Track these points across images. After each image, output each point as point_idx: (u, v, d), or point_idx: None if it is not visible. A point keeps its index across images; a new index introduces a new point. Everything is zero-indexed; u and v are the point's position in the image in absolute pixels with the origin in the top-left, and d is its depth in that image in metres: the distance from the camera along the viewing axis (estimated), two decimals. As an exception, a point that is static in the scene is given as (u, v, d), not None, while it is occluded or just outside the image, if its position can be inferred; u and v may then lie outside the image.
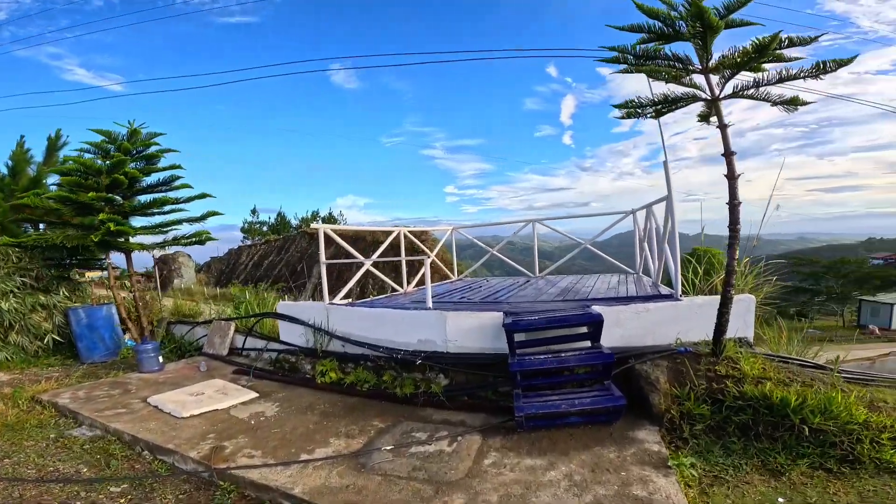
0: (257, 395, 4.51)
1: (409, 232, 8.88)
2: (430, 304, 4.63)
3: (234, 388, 4.67)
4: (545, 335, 3.77)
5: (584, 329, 3.76)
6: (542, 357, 3.49)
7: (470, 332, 4.03)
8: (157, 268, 44.97)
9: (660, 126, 4.00)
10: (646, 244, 6.48)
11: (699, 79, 3.22)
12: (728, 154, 3.21)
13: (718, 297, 3.50)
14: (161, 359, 5.60)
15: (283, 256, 39.10)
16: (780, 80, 2.97)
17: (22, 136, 8.49)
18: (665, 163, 4.12)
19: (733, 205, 3.24)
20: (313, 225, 5.83)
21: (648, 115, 3.54)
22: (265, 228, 48.69)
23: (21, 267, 6.35)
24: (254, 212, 50.80)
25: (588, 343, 3.72)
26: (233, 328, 6.24)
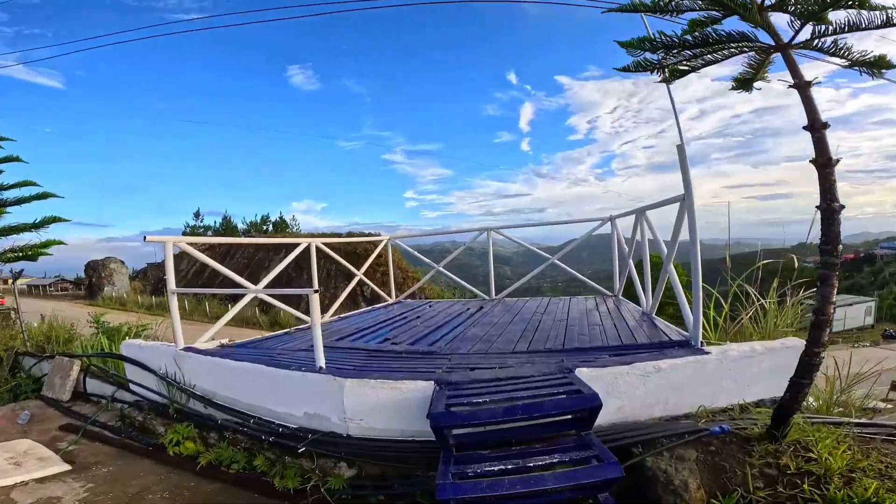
0: (70, 467, 3.37)
1: (331, 242, 7.79)
2: (320, 363, 3.22)
3: (41, 455, 3.54)
4: (502, 427, 2.42)
5: (567, 416, 2.45)
6: (496, 475, 2.11)
7: (382, 408, 2.80)
8: (86, 274, 42.12)
9: (671, 98, 3.06)
10: (630, 261, 5.57)
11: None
12: (816, 126, 2.05)
13: (759, 345, 2.82)
14: None
15: (228, 263, 38.40)
16: (851, 28, 1.94)
17: None
18: (681, 147, 3.19)
19: (829, 209, 2.01)
20: (149, 238, 4.47)
21: (667, 70, 2.40)
22: (210, 233, 47.36)
23: None
24: (197, 215, 49.19)
25: (572, 432, 2.45)
26: (77, 366, 5.12)
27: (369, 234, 30.73)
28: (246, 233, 45.92)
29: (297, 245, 6.82)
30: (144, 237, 4.35)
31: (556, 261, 6.90)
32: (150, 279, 43.45)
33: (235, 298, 26.82)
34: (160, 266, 44.73)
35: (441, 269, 7.71)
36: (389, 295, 8.27)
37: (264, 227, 47.86)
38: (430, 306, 6.93)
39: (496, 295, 7.17)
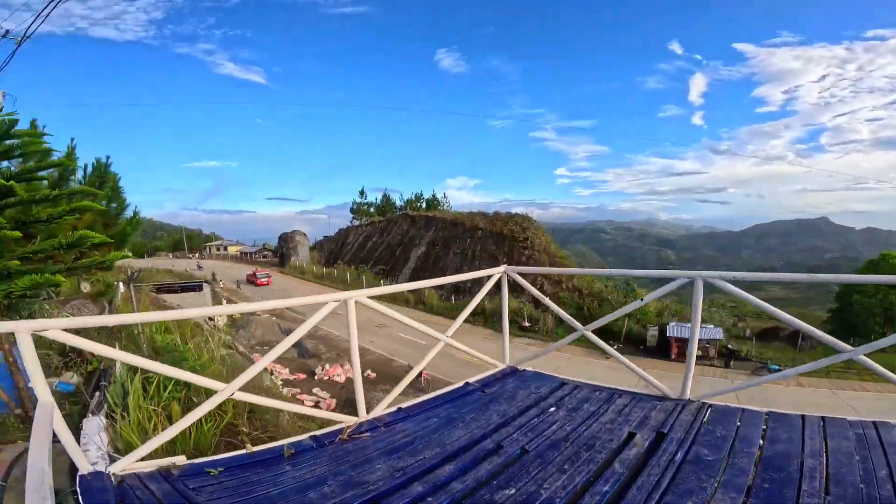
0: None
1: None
2: None
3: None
4: None
5: None
6: None
7: None
8: (279, 244, 60.58)
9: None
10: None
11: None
12: None
13: None
14: None
15: (385, 238, 53.95)
16: None
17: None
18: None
19: None
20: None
21: None
22: (372, 210, 62.67)
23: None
24: (362, 193, 65.33)
25: None
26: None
27: (515, 215, 38.81)
28: (402, 209, 59.24)
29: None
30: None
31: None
32: (324, 251, 60.82)
33: (388, 274, 44.38)
34: (332, 239, 62.13)
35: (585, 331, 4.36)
36: (501, 357, 4.81)
37: (418, 204, 60.70)
38: (556, 407, 3.72)
39: (687, 393, 3.73)
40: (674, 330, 23.99)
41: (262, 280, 45.20)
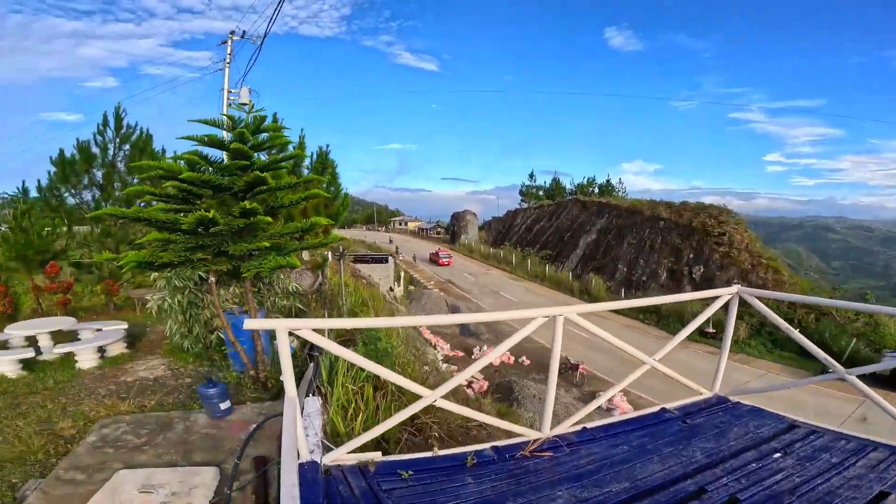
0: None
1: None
2: None
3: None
4: None
5: None
6: None
7: None
8: (451, 222, 64.19)
9: None
10: None
11: None
12: None
13: None
14: (228, 402, 4.52)
15: (553, 223, 52.56)
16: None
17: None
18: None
19: None
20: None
21: None
22: (540, 193, 62.52)
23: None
24: (531, 176, 65.54)
25: None
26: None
27: (708, 206, 33.40)
28: (573, 193, 57.52)
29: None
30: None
31: None
32: (492, 231, 62.83)
33: (554, 259, 41.29)
34: (500, 220, 63.71)
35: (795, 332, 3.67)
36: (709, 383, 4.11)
37: (590, 189, 58.31)
38: (782, 453, 3.02)
39: None
40: None
41: (444, 260, 44.92)
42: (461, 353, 18.16)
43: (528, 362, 18.55)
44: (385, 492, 2.49)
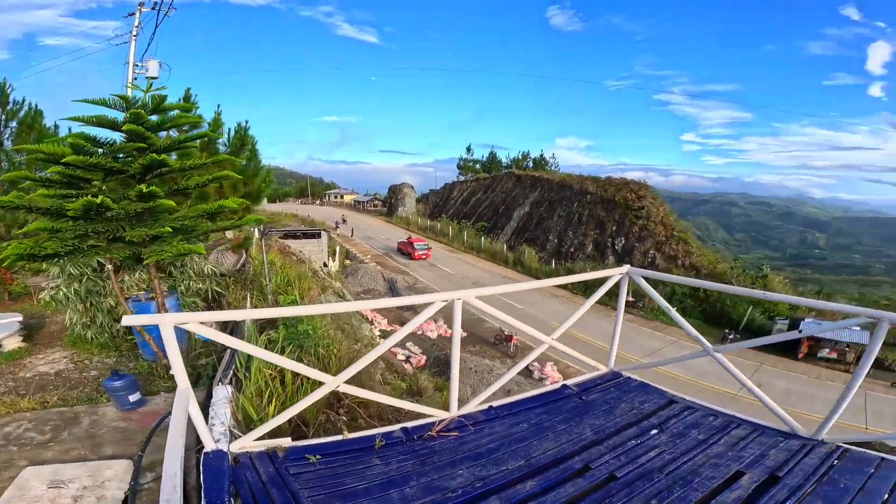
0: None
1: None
2: None
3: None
4: None
5: None
6: None
7: None
8: (388, 195, 63.13)
9: None
10: None
11: None
12: None
13: None
14: (138, 394, 4.31)
15: (488, 196, 53.58)
16: None
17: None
18: None
19: None
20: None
21: None
22: (477, 166, 62.89)
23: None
24: (468, 149, 65.53)
25: None
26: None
27: (630, 182, 35.79)
28: (508, 167, 58.62)
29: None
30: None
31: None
32: (429, 203, 62.72)
33: (489, 231, 42.24)
34: (438, 193, 63.64)
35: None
36: (605, 361, 4.43)
37: (525, 163, 59.57)
38: (659, 430, 3.34)
39: (824, 433, 3.21)
40: (810, 328, 20.67)
41: (421, 253, 33.74)
42: (399, 327, 18.36)
43: (464, 334, 19.13)
44: (293, 476, 2.55)
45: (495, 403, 3.66)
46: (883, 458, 2.95)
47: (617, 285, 4.10)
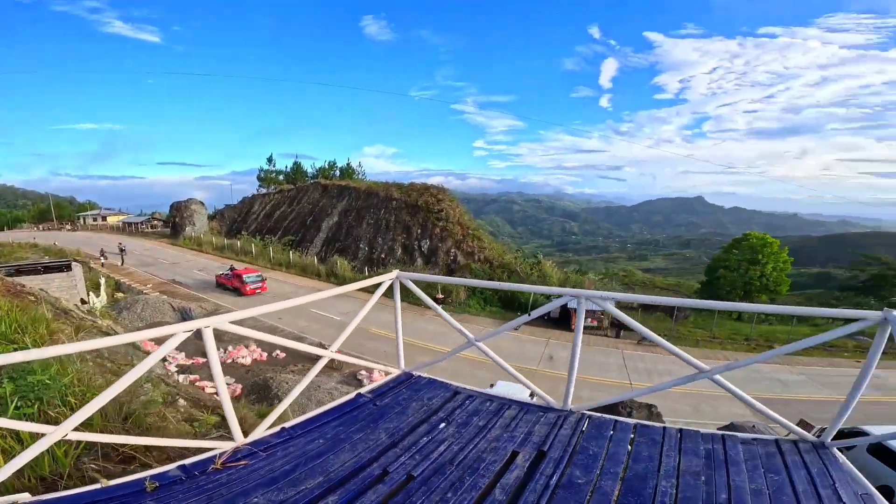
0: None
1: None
2: None
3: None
4: None
5: None
6: None
7: None
8: (170, 214, 54.40)
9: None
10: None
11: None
12: None
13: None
14: None
15: (294, 208, 51.17)
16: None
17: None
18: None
19: None
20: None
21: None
22: (281, 178, 58.09)
23: None
24: (270, 160, 59.95)
25: None
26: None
27: (430, 187, 38.20)
28: (314, 177, 56.19)
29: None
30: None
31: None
32: (226, 220, 55.90)
33: (297, 245, 41.13)
34: (235, 208, 57.22)
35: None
36: (397, 363, 4.73)
37: (332, 173, 57.74)
38: (446, 422, 3.59)
39: (569, 403, 3.89)
40: (572, 302, 25.70)
41: (253, 287, 27.38)
42: (202, 360, 15.91)
43: (282, 356, 17.85)
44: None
45: (288, 424, 3.48)
46: (616, 421, 3.62)
47: (392, 287, 4.36)
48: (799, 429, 3.50)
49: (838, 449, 3.25)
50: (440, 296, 28.07)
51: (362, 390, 4.17)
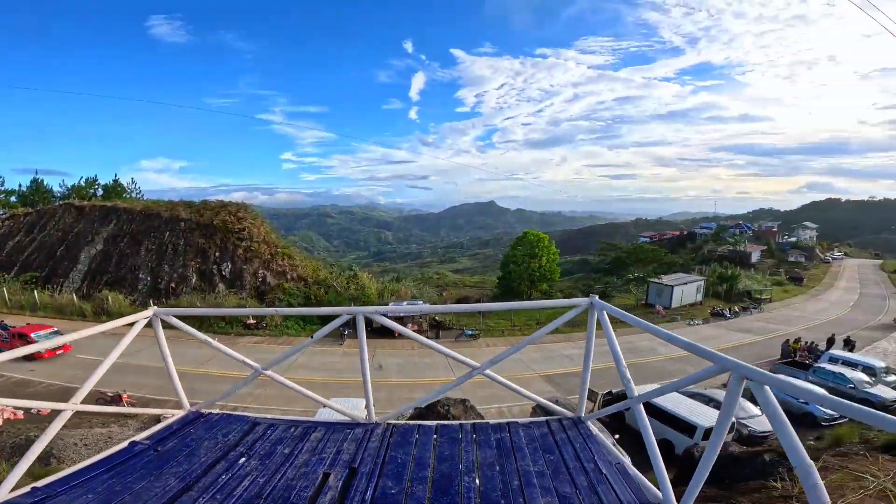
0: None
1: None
2: None
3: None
4: None
5: None
6: None
7: None
8: None
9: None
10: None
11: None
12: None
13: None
14: None
15: (36, 236, 39.98)
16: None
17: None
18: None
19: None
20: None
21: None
22: (13, 199, 43.26)
23: None
24: None
25: None
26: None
27: (228, 204, 34.34)
28: (65, 198, 44.40)
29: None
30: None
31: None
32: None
33: (46, 281, 32.73)
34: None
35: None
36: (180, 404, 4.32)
37: (91, 192, 45.87)
38: (247, 456, 3.39)
39: (373, 417, 4.02)
40: (359, 316, 26.52)
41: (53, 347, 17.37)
42: None
43: (46, 411, 13.74)
44: None
45: (41, 483, 2.88)
46: (419, 426, 3.73)
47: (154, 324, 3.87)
48: (558, 407, 4.20)
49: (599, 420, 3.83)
50: (252, 321, 25.70)
51: (137, 437, 3.63)
